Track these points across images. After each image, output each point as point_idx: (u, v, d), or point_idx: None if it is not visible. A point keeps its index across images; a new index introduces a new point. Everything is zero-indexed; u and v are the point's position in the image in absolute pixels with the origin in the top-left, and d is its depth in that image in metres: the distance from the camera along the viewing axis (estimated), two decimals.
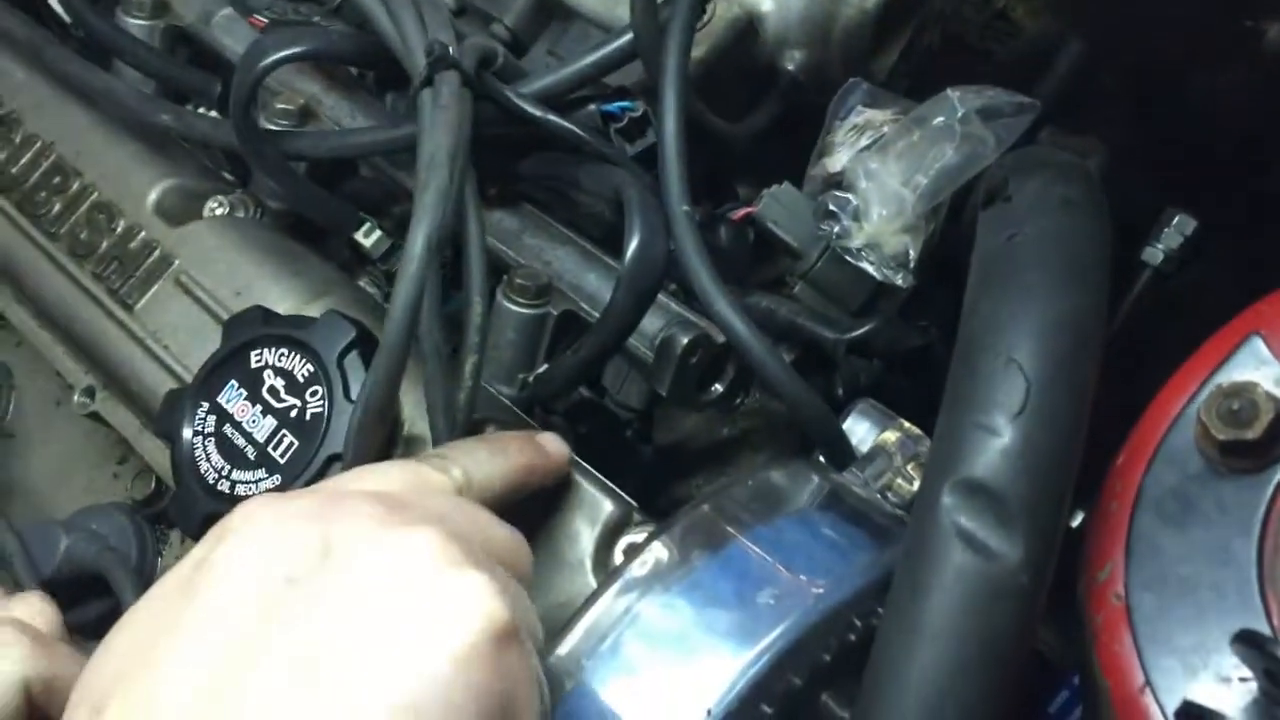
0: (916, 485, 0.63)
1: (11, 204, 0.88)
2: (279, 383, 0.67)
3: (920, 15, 0.88)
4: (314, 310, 0.73)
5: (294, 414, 0.67)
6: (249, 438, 0.67)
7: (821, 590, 0.55)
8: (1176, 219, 0.78)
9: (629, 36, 0.76)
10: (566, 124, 0.76)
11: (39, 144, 0.90)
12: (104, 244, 0.83)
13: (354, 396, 0.66)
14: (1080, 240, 0.58)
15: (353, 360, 0.67)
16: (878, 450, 0.66)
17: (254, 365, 0.68)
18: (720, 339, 0.72)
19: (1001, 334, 0.55)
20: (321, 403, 0.66)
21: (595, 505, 0.65)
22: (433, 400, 0.63)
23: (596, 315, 0.73)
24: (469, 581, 0.46)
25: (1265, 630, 0.49)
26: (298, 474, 0.65)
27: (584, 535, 0.65)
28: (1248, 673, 0.49)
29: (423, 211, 0.61)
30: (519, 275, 0.73)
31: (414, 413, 0.68)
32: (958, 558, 0.51)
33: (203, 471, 0.67)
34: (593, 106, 0.80)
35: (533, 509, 0.65)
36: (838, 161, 0.78)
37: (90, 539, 0.79)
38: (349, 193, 0.85)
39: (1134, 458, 0.56)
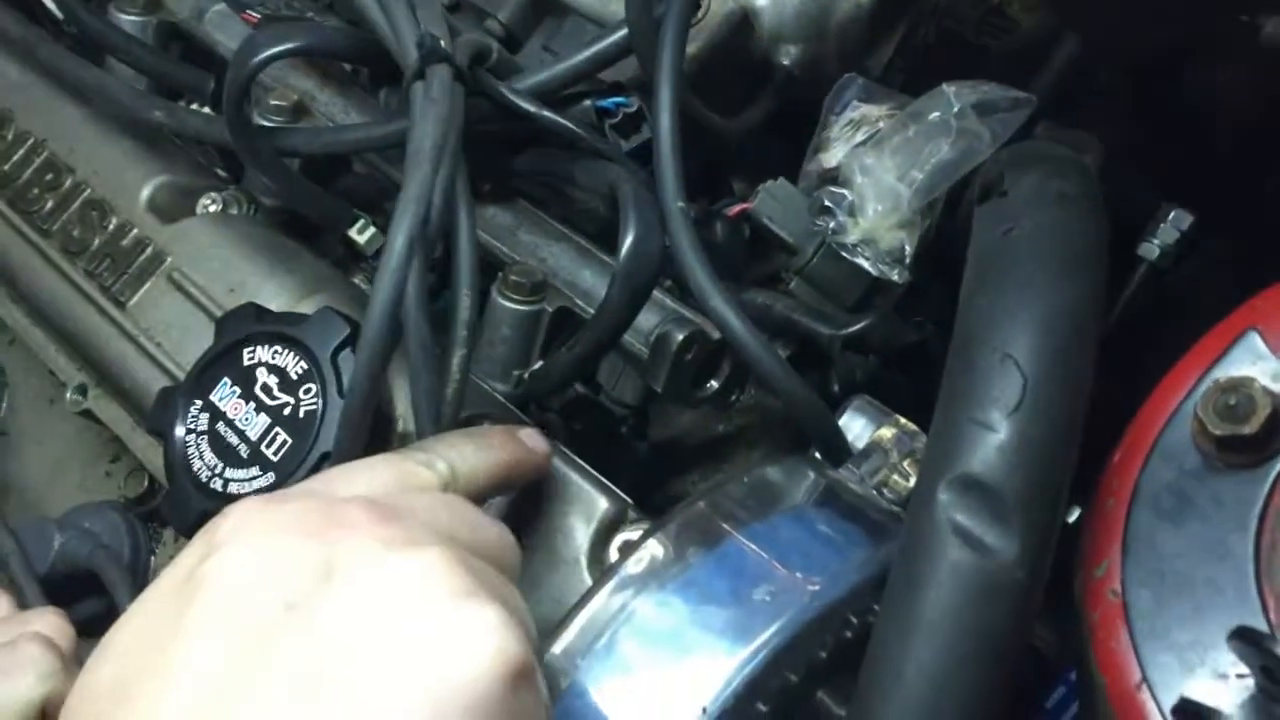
0: (912, 481, 0.63)
1: (3, 201, 0.88)
2: (272, 380, 0.67)
3: (915, 10, 0.88)
4: (307, 307, 0.73)
5: (287, 411, 0.66)
6: (242, 435, 0.67)
7: (817, 587, 0.55)
8: (1173, 214, 0.78)
9: (624, 32, 0.76)
10: (561, 120, 0.75)
11: (31, 141, 0.89)
12: (96, 241, 0.83)
13: None
14: (1076, 235, 0.58)
15: (346, 358, 0.66)
16: (873, 446, 0.66)
17: (247, 363, 0.68)
18: (715, 335, 0.72)
19: (997, 329, 0.55)
20: (315, 400, 0.66)
21: (590, 502, 0.65)
22: (417, 393, 0.62)
23: (591, 312, 0.73)
24: (483, 615, 0.44)
25: (1262, 626, 0.49)
26: (291, 471, 0.65)
27: (579, 532, 0.65)
28: (1245, 669, 0.48)
29: (405, 204, 0.60)
30: (514, 272, 0.73)
31: (408, 411, 0.68)
32: (954, 554, 0.50)
33: (195, 469, 0.67)
34: (588, 102, 0.80)
35: (528, 506, 0.65)
36: (833, 157, 0.78)
37: (83, 537, 0.79)
38: (343, 189, 0.84)
39: (1131, 453, 0.56)
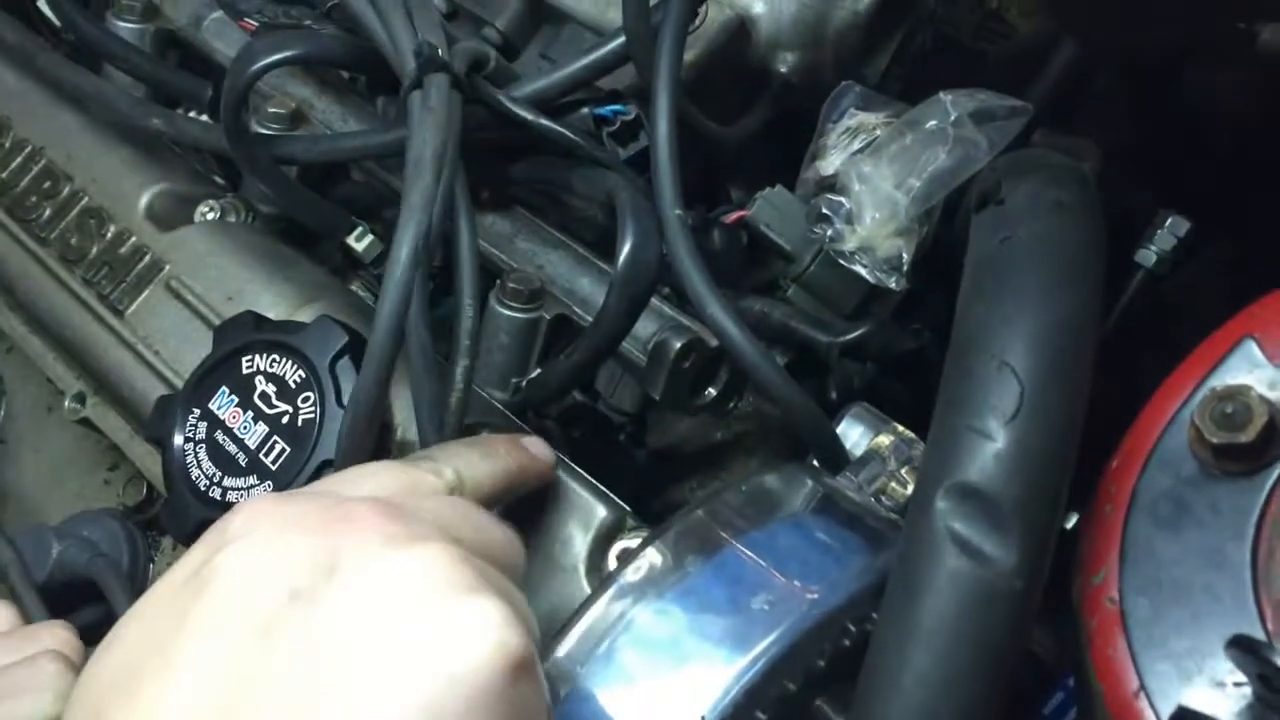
0: (910, 489, 0.63)
1: (1, 209, 0.88)
2: (270, 389, 0.67)
3: (912, 17, 0.88)
4: (306, 315, 0.73)
5: (286, 420, 0.66)
6: (240, 444, 0.67)
7: (816, 595, 0.55)
8: (1170, 221, 0.78)
9: (621, 40, 0.76)
10: (559, 128, 0.75)
11: (29, 148, 0.89)
12: (94, 249, 0.83)
13: (346, 402, 0.65)
14: (1073, 243, 0.58)
15: (345, 366, 0.66)
16: (871, 454, 0.66)
17: (245, 371, 0.68)
18: (713, 343, 0.72)
19: (995, 337, 0.55)
20: (313, 409, 0.66)
21: (589, 510, 0.65)
22: (419, 400, 0.62)
23: (589, 319, 0.73)
24: (484, 609, 0.45)
25: (1259, 635, 0.49)
26: (289, 480, 0.65)
27: (577, 540, 0.65)
28: (1242, 677, 0.48)
29: (408, 213, 0.60)
30: (512, 279, 0.73)
31: (407, 418, 0.68)
32: (951, 562, 0.50)
33: (194, 478, 0.67)
34: (585, 110, 0.80)
35: (526, 514, 0.65)
36: (830, 165, 0.78)
37: (82, 545, 0.79)
38: (341, 197, 0.84)
39: (1128, 461, 0.56)
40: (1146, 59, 0.86)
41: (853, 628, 0.55)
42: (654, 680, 0.53)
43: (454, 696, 0.43)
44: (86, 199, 0.86)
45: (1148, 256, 0.78)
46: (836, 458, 0.67)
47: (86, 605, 0.78)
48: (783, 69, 0.86)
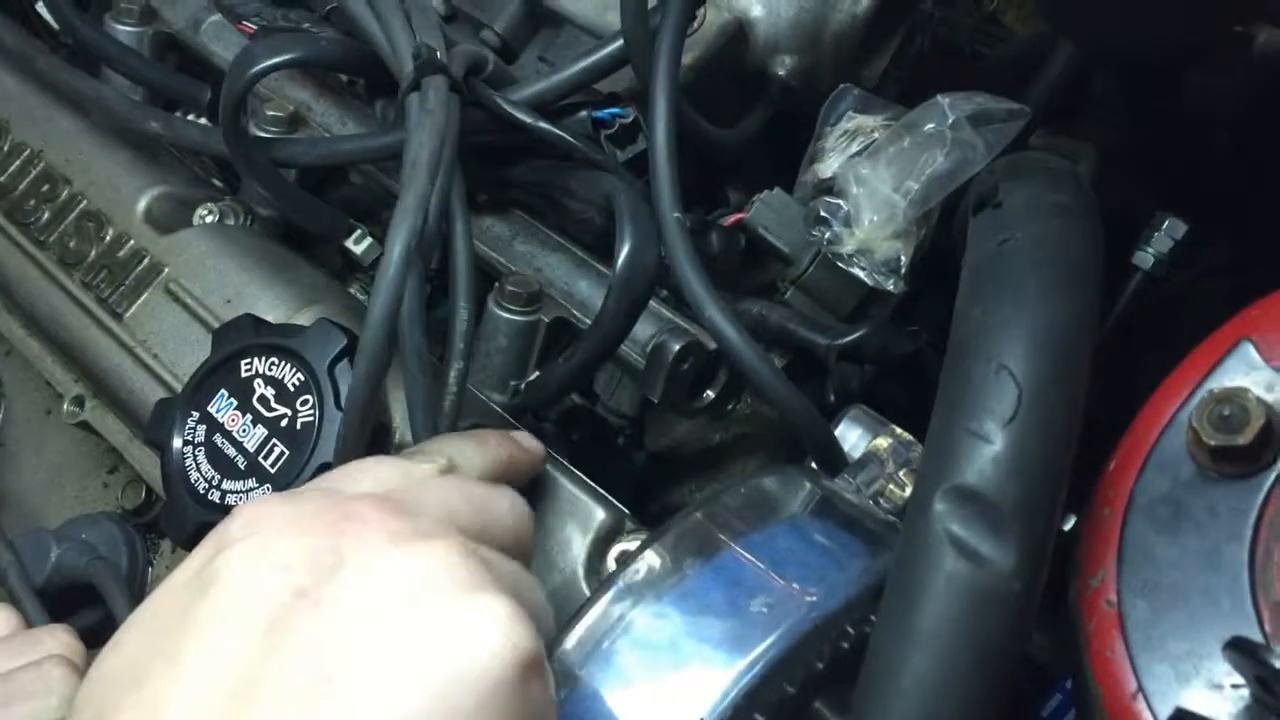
0: (909, 492, 0.63)
1: (0, 212, 0.88)
2: (269, 392, 0.67)
3: (910, 20, 0.89)
4: (304, 318, 0.73)
5: (284, 423, 0.66)
6: (239, 447, 0.67)
7: (814, 598, 0.55)
8: (1167, 223, 0.78)
9: (619, 43, 0.76)
10: (557, 130, 0.76)
11: (27, 152, 0.89)
12: (93, 252, 0.83)
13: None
14: (1071, 245, 0.59)
15: (344, 369, 0.66)
16: (870, 456, 0.66)
17: (244, 374, 0.68)
18: (712, 345, 0.72)
19: (993, 340, 0.55)
20: (312, 412, 0.66)
21: (587, 513, 0.65)
22: (413, 402, 0.62)
23: (588, 322, 0.73)
24: (492, 608, 0.45)
25: (1257, 636, 0.49)
26: (288, 483, 0.65)
27: (576, 543, 0.65)
28: (1240, 679, 0.49)
29: (402, 214, 0.60)
30: (510, 282, 0.73)
31: (405, 420, 0.68)
32: (950, 565, 0.51)
33: (193, 481, 0.67)
34: (584, 113, 0.80)
35: None
36: (829, 167, 0.78)
37: (80, 549, 0.79)
38: (339, 199, 0.84)
39: (1126, 463, 0.56)
40: (1144, 62, 0.86)
41: (851, 630, 0.55)
42: (653, 682, 0.53)
43: (463, 697, 0.43)
44: (85, 202, 0.86)
45: (1145, 258, 0.79)
46: (835, 460, 0.67)
47: (85, 608, 0.78)
48: (781, 72, 0.86)
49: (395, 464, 0.56)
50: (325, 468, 0.64)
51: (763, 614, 0.54)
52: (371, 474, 0.55)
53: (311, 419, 0.66)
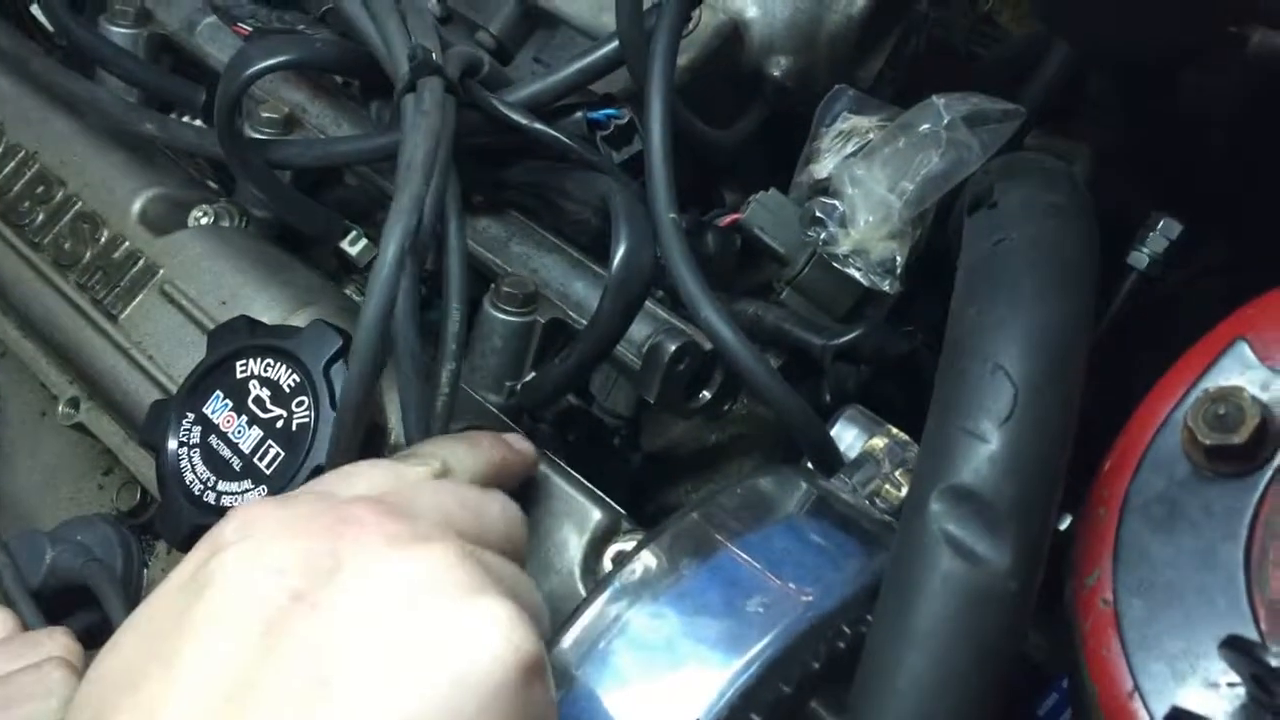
0: (904, 491, 0.63)
1: None
2: (265, 393, 0.67)
3: (905, 21, 0.89)
4: (300, 319, 0.73)
5: (280, 424, 0.66)
6: (235, 448, 0.67)
7: (810, 598, 0.55)
8: (1162, 223, 0.78)
9: (615, 44, 0.76)
10: (553, 131, 0.76)
11: (22, 153, 0.89)
12: (88, 254, 0.83)
13: None
14: (1066, 245, 0.59)
15: (339, 370, 0.66)
16: (866, 456, 0.66)
17: (239, 376, 0.68)
18: (707, 346, 0.72)
19: (988, 340, 0.55)
20: (308, 413, 0.66)
21: (583, 513, 0.65)
22: (407, 402, 0.62)
23: (584, 323, 0.73)
24: (492, 610, 0.45)
25: (1253, 635, 0.49)
26: (284, 485, 0.65)
27: (572, 543, 0.65)
28: (1235, 678, 0.49)
29: (396, 214, 0.60)
30: (506, 283, 0.73)
31: (400, 420, 0.68)
32: (946, 564, 0.51)
33: (188, 483, 0.67)
34: (579, 114, 0.80)
35: None
36: (824, 168, 0.78)
37: (76, 550, 0.79)
38: (335, 201, 0.84)
39: (1121, 463, 0.56)
40: (1139, 62, 0.86)
41: (847, 630, 0.55)
42: (649, 682, 0.53)
43: (464, 700, 0.43)
44: (80, 204, 0.85)
45: (1140, 258, 0.79)
46: (831, 460, 0.67)
47: (81, 610, 0.77)
48: (776, 73, 0.86)
49: (389, 467, 0.56)
50: (320, 469, 0.64)
51: (759, 614, 0.54)
52: (365, 477, 0.55)
53: (307, 420, 0.66)
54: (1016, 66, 0.91)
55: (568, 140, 0.76)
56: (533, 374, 0.73)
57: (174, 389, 0.73)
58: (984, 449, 0.52)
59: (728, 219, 0.83)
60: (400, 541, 0.46)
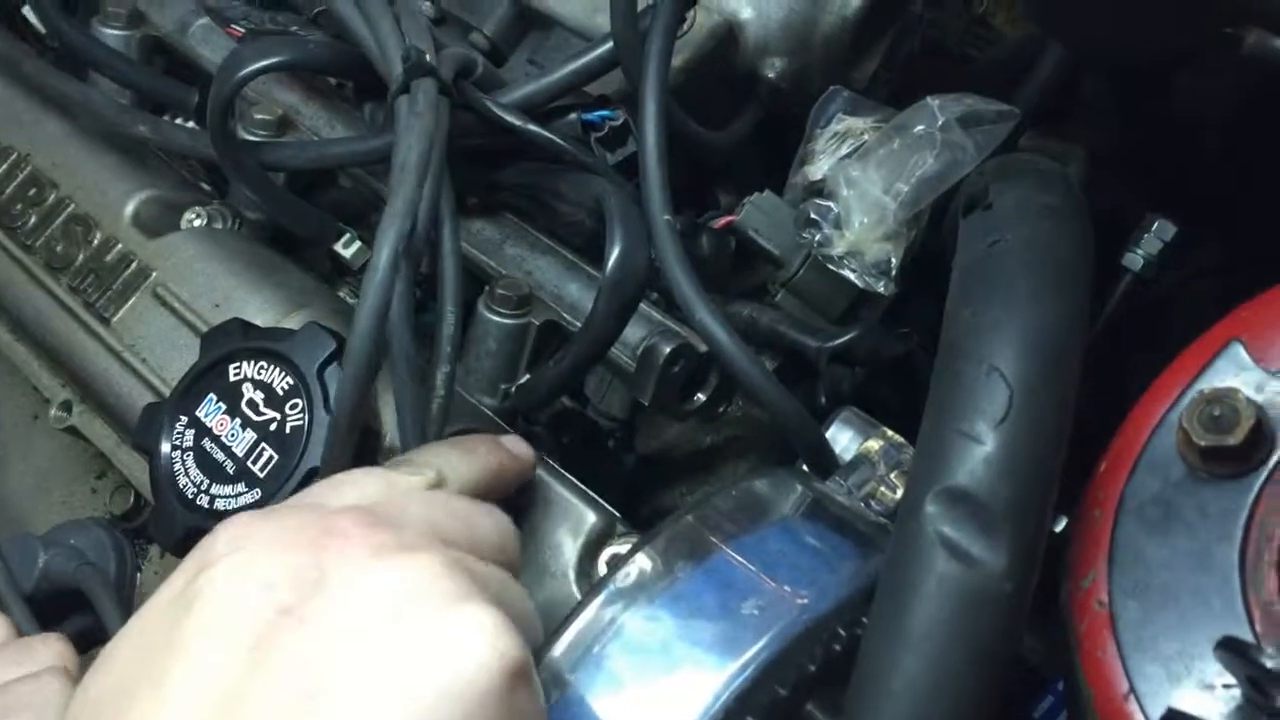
0: (900, 493, 0.63)
1: None
2: (258, 396, 0.67)
3: (900, 22, 0.89)
4: (294, 322, 0.73)
5: (274, 427, 0.66)
6: (228, 452, 0.66)
7: (805, 600, 0.55)
8: (1156, 224, 0.78)
9: (609, 45, 0.76)
10: (547, 133, 0.75)
11: (14, 155, 0.89)
12: (80, 256, 0.83)
13: None
14: (1061, 247, 0.59)
15: (333, 372, 0.66)
16: (861, 458, 0.66)
17: (233, 378, 0.68)
18: (702, 348, 0.72)
19: (983, 342, 0.55)
20: (301, 416, 0.66)
21: (578, 516, 0.65)
22: (401, 405, 0.62)
23: (578, 325, 0.73)
24: (477, 618, 0.45)
25: (1248, 636, 0.49)
26: (278, 488, 0.64)
27: (567, 546, 0.64)
28: (1231, 679, 0.49)
29: (390, 217, 0.60)
30: (500, 285, 0.73)
31: (394, 423, 0.67)
32: (941, 566, 0.50)
33: (181, 486, 0.67)
34: (573, 115, 0.80)
35: (516, 520, 0.65)
36: (819, 169, 0.78)
37: (69, 554, 0.78)
38: (328, 203, 0.84)
39: (1116, 464, 0.56)
40: (1133, 64, 0.86)
41: (843, 632, 0.55)
42: (644, 686, 0.53)
43: (450, 709, 0.43)
44: (72, 206, 0.85)
45: (1135, 260, 0.79)
46: (826, 462, 0.67)
47: (74, 614, 0.77)
48: (771, 74, 0.86)
49: (381, 475, 0.56)
50: (315, 472, 0.64)
51: (754, 616, 0.54)
52: (356, 486, 0.55)
53: (301, 423, 0.66)
54: (1011, 68, 0.91)
55: (562, 142, 0.76)
56: (527, 376, 0.73)
57: (167, 392, 0.73)
58: (979, 451, 0.52)
59: (722, 221, 0.83)
60: (385, 552, 0.47)
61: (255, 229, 0.85)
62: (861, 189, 0.74)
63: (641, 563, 0.57)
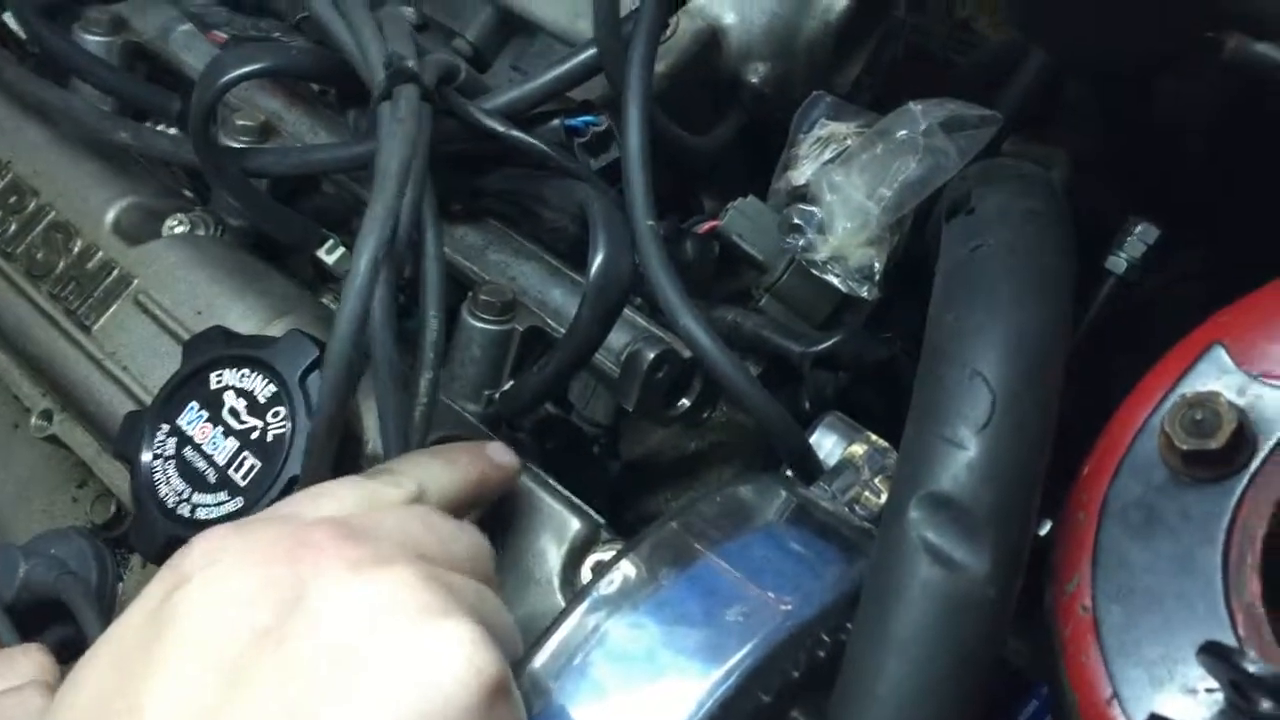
0: (884, 498, 0.63)
1: None
2: (240, 404, 0.67)
3: (883, 27, 0.89)
4: (276, 329, 0.72)
5: (255, 435, 0.66)
6: (210, 460, 0.66)
7: (790, 606, 0.55)
8: (1139, 228, 0.79)
9: (592, 51, 0.76)
10: (530, 139, 0.75)
11: None
12: (61, 264, 0.82)
13: None
14: (1043, 251, 0.59)
15: (316, 380, 0.66)
16: (845, 463, 0.66)
17: (215, 386, 0.67)
18: (686, 353, 0.72)
19: (966, 346, 0.55)
20: (284, 424, 0.65)
21: (562, 523, 0.65)
22: (384, 412, 0.62)
23: (562, 331, 0.72)
24: (455, 632, 0.45)
25: (1230, 641, 0.49)
26: (260, 496, 0.64)
27: (551, 553, 0.64)
28: (1214, 684, 0.49)
29: (370, 223, 0.60)
30: (484, 291, 0.73)
31: (376, 430, 0.67)
32: (924, 571, 0.50)
33: (162, 495, 0.66)
34: (556, 121, 0.80)
35: (499, 526, 0.65)
36: (802, 174, 0.78)
37: (49, 564, 0.78)
38: (311, 209, 0.84)
39: (1099, 469, 0.56)
40: (1115, 69, 0.87)
41: (827, 638, 0.55)
42: (628, 693, 0.53)
43: None
44: (53, 213, 0.85)
45: (1118, 263, 0.79)
46: (810, 468, 0.66)
47: (55, 624, 0.77)
48: (754, 79, 0.86)
49: (359, 485, 0.56)
50: (296, 480, 0.64)
51: (739, 623, 0.54)
52: (334, 497, 0.54)
53: (283, 431, 0.65)
54: (994, 72, 0.91)
55: (545, 147, 0.76)
56: (511, 382, 0.73)
57: (148, 400, 0.72)
58: (962, 456, 0.52)
59: (706, 226, 0.83)
60: (361, 565, 0.46)
61: (237, 236, 0.84)
62: (845, 194, 0.74)
63: (625, 569, 0.57)
